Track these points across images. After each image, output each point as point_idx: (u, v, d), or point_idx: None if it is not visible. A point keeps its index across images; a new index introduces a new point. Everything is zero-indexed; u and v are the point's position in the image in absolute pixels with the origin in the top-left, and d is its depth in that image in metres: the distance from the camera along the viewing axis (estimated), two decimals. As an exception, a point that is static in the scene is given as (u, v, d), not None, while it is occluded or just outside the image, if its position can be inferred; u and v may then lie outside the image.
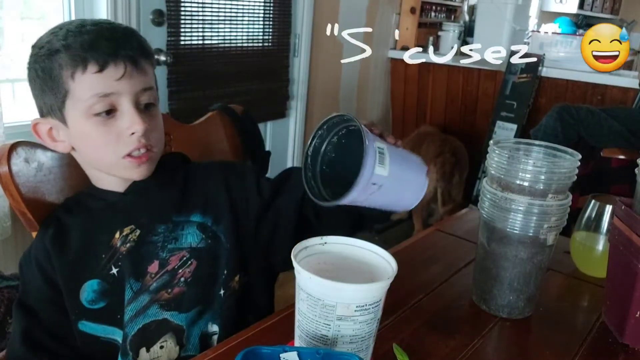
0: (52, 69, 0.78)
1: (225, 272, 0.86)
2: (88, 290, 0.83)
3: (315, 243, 0.66)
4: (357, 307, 0.59)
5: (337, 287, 0.58)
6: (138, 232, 0.85)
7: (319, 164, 0.73)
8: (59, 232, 0.85)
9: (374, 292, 0.60)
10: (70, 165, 0.91)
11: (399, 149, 0.73)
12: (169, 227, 0.86)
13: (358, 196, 0.67)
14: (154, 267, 0.84)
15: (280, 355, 0.56)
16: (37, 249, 0.86)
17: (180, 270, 0.84)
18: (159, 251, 0.84)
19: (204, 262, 0.85)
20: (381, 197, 0.70)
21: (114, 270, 0.83)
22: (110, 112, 0.79)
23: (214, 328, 0.85)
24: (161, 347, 0.83)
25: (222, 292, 0.85)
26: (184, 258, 0.85)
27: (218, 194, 0.89)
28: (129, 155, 0.81)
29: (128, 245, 0.84)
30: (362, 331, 0.60)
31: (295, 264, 0.61)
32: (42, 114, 0.83)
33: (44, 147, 0.89)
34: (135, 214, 0.86)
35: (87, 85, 0.77)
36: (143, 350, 0.82)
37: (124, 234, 0.84)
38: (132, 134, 0.79)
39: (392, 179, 0.69)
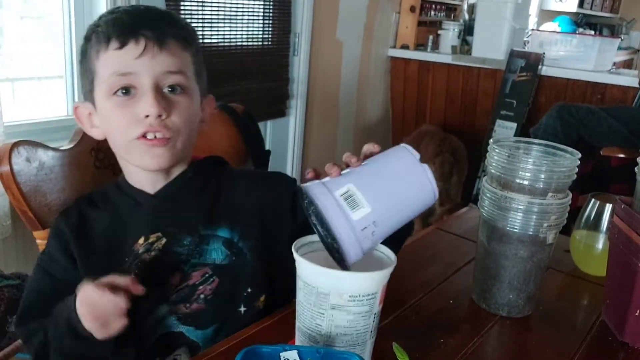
0: (85, 50, 0.79)
1: (249, 290, 0.82)
2: None
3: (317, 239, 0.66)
4: (350, 296, 0.59)
5: (330, 274, 0.59)
6: (164, 240, 0.81)
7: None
8: (81, 222, 0.83)
9: (368, 283, 0.60)
10: (71, 164, 0.91)
11: (368, 167, 0.64)
12: (195, 240, 0.82)
13: (363, 248, 0.60)
14: (175, 279, 0.81)
15: (281, 354, 0.56)
16: (55, 235, 0.83)
17: (200, 287, 0.81)
18: (182, 264, 0.81)
19: (226, 280, 0.81)
20: (388, 223, 0.62)
21: (133, 275, 0.79)
22: (130, 92, 0.76)
23: None
24: (175, 359, 0.81)
25: (242, 309, 0.82)
26: (206, 275, 0.81)
27: (249, 208, 0.85)
28: (143, 136, 0.77)
29: (153, 253, 0.81)
30: (356, 323, 0.61)
31: (294, 252, 0.62)
32: (84, 98, 0.83)
33: (45, 147, 0.89)
34: (163, 220, 0.83)
35: (108, 63, 0.76)
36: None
37: (150, 241, 0.81)
38: (146, 116, 0.76)
39: (382, 205, 0.60)
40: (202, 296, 0.80)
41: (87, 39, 0.79)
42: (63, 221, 0.84)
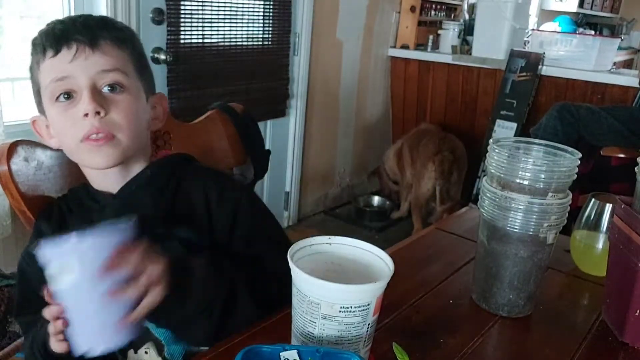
0: (30, 65, 0.83)
1: None
2: None
3: (321, 242, 0.66)
4: (341, 307, 0.59)
5: (320, 284, 0.58)
6: None
7: None
8: (61, 226, 0.85)
9: (359, 295, 0.59)
10: (69, 163, 0.90)
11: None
12: (151, 239, 0.81)
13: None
14: None
15: (281, 354, 0.56)
16: (37, 236, 0.85)
17: None
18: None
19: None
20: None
21: None
22: (71, 96, 0.78)
23: (202, 348, 0.80)
24: (145, 352, 0.83)
25: None
26: None
27: (202, 209, 0.86)
28: (87, 138, 0.78)
29: None
30: (348, 333, 0.60)
31: (289, 258, 0.61)
32: (38, 111, 0.85)
33: (44, 146, 0.89)
34: (128, 216, 0.83)
35: (46, 72, 0.79)
36: (131, 351, 0.83)
37: None
38: (85, 115, 0.77)
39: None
40: None
41: (31, 54, 0.82)
42: (45, 222, 0.86)
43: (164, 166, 0.88)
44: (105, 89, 0.79)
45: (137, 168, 0.85)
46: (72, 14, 1.89)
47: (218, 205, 0.86)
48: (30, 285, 0.84)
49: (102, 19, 0.83)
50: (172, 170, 0.88)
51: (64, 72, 0.77)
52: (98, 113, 0.77)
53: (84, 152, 0.80)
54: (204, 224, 0.85)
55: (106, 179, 0.84)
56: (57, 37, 0.78)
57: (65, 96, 0.78)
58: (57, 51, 0.78)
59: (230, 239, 0.85)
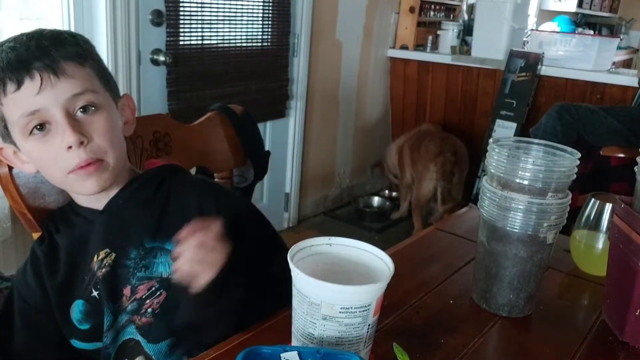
0: None
1: None
2: (76, 310, 0.82)
3: (321, 243, 0.66)
4: (341, 308, 0.59)
5: (320, 285, 0.58)
6: (113, 255, 0.81)
7: None
8: (50, 248, 0.84)
9: (359, 296, 0.59)
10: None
11: None
12: (141, 253, 0.81)
13: None
14: (127, 291, 0.81)
15: (281, 355, 0.56)
16: (31, 260, 0.85)
17: (148, 301, 0.80)
18: (130, 277, 0.81)
19: (175, 294, 0.79)
20: None
21: (95, 293, 0.81)
22: (44, 127, 0.74)
23: None
24: None
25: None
26: (153, 288, 0.80)
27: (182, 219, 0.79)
28: (73, 170, 0.75)
29: (104, 270, 0.81)
30: (348, 334, 0.60)
31: (289, 259, 0.61)
32: (3, 140, 0.80)
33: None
34: (110, 235, 0.82)
35: (13, 107, 0.74)
36: None
37: (100, 257, 0.81)
38: (69, 147, 0.74)
39: None
40: (149, 310, 0.80)
41: None
42: (37, 246, 0.85)
43: (151, 178, 0.85)
44: (79, 113, 0.75)
45: (119, 180, 0.82)
46: (72, 15, 1.89)
47: (218, 214, 0.80)
48: (21, 307, 0.84)
49: (55, 35, 0.77)
50: (160, 181, 0.85)
51: (34, 106, 0.73)
52: (82, 143, 0.74)
53: (73, 182, 0.78)
54: None
55: (90, 196, 0.81)
56: (14, 68, 0.72)
57: (39, 127, 0.74)
58: (19, 84, 0.72)
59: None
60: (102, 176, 0.77)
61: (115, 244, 0.82)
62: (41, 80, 0.72)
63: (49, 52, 0.74)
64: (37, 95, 0.72)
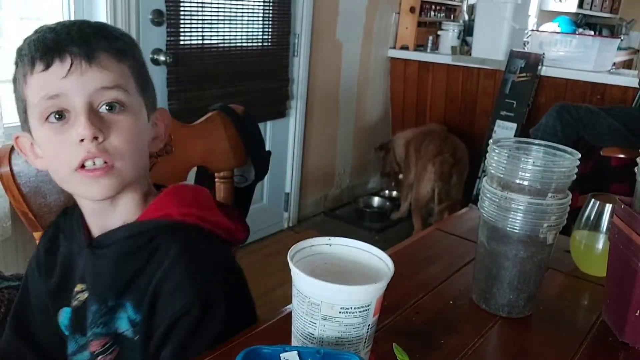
0: (15, 78, 0.73)
1: None
2: (64, 316, 0.80)
3: (321, 243, 0.66)
4: (341, 308, 0.58)
5: (320, 285, 0.58)
6: (86, 295, 0.77)
7: None
8: (51, 248, 0.82)
9: (359, 296, 0.59)
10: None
11: None
12: (101, 310, 0.75)
13: None
14: (82, 338, 0.78)
15: (281, 355, 0.56)
16: (35, 254, 0.85)
17: (100, 357, 0.76)
18: (87, 329, 0.76)
19: (127, 353, 0.75)
20: None
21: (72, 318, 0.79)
22: (63, 116, 0.69)
23: None
24: None
25: None
26: (107, 345, 0.76)
27: (150, 297, 0.73)
28: (82, 167, 0.69)
29: (75, 303, 0.78)
30: (348, 334, 0.60)
31: (289, 259, 0.61)
32: (22, 129, 0.76)
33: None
34: (86, 275, 0.77)
35: (36, 88, 0.69)
36: None
37: (77, 289, 0.78)
38: (81, 141, 0.68)
39: None
40: None
41: (15, 64, 0.73)
42: (42, 240, 0.84)
43: (144, 233, 0.75)
44: (103, 108, 0.70)
45: (126, 203, 0.76)
46: (72, 15, 1.89)
47: (166, 303, 0.72)
48: (27, 296, 0.84)
49: (100, 27, 0.73)
50: (152, 237, 0.75)
51: (57, 90, 0.68)
52: (96, 138, 0.68)
53: (77, 183, 0.71)
54: (148, 302, 0.73)
55: (93, 210, 0.77)
56: (48, 48, 0.68)
57: (57, 116, 0.69)
58: (48, 64, 0.68)
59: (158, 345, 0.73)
60: (110, 183, 0.71)
61: (90, 284, 0.77)
62: (71, 63, 0.68)
63: (89, 39, 0.69)
64: (63, 79, 0.68)
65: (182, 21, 2.25)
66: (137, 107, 0.73)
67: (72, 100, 0.68)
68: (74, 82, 0.68)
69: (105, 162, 0.69)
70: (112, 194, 0.73)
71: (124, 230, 0.76)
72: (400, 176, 3.32)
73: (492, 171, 0.79)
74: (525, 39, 3.31)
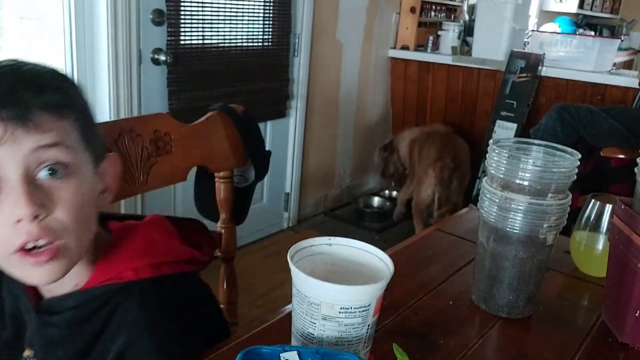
0: None
1: None
2: None
3: (321, 243, 0.66)
4: (341, 308, 0.58)
5: (320, 285, 0.58)
6: None
7: None
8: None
9: (359, 296, 0.59)
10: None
11: None
12: None
13: None
14: None
15: (280, 354, 0.56)
16: None
17: None
18: None
19: None
20: None
21: None
22: None
23: None
24: None
25: None
26: None
27: (109, 353, 0.66)
28: (22, 249, 0.58)
29: None
30: (348, 334, 0.60)
31: (289, 259, 0.61)
32: None
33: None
34: (35, 343, 0.70)
35: None
36: None
37: (26, 354, 0.71)
38: (18, 221, 0.56)
39: None
40: None
41: None
42: None
43: (95, 298, 0.67)
44: (43, 174, 0.58)
45: (75, 268, 0.65)
46: (72, 14, 1.89)
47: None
48: None
49: (34, 76, 0.61)
50: (106, 300, 0.67)
51: None
52: (36, 217, 0.57)
53: (16, 267, 0.60)
54: None
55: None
56: None
57: None
58: None
59: None
60: (55, 268, 0.60)
61: (37, 354, 0.70)
62: (4, 131, 0.56)
63: (22, 97, 0.58)
64: None
65: (182, 21, 2.25)
66: (81, 164, 0.63)
67: (5, 169, 0.57)
68: (5, 149, 0.57)
69: (49, 242, 0.59)
70: (60, 277, 0.63)
71: (73, 300, 0.67)
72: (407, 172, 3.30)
73: (492, 171, 0.79)
74: (525, 40, 3.31)
